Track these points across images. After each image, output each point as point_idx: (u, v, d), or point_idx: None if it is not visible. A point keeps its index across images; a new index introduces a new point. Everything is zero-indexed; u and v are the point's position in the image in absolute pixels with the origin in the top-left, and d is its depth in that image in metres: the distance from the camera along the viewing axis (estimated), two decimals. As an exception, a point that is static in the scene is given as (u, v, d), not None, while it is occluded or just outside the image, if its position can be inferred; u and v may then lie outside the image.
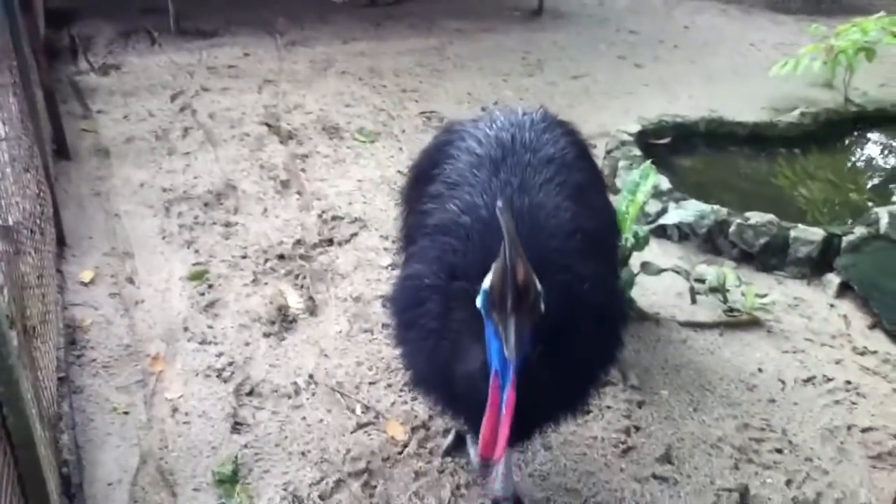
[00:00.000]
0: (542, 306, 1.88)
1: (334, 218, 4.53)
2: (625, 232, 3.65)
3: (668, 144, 5.79)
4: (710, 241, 4.55)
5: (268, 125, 5.71)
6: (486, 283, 1.87)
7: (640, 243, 3.77)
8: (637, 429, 3.25)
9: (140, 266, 4.10)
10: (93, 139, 5.51)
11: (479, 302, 1.91)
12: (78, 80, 6.58)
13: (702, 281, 4.13)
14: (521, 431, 2.23)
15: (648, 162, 3.92)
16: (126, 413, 3.17)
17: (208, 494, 2.82)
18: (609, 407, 3.35)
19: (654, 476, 3.03)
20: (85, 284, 3.93)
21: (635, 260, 3.84)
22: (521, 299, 1.81)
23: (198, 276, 4.02)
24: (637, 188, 3.72)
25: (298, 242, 4.32)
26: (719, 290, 4.05)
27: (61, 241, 4.20)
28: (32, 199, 4.09)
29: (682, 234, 4.61)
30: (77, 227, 4.43)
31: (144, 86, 6.48)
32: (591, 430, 3.22)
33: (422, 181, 2.68)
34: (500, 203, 1.79)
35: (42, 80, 5.00)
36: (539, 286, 1.86)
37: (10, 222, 4.05)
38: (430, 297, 2.21)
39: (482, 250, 2.10)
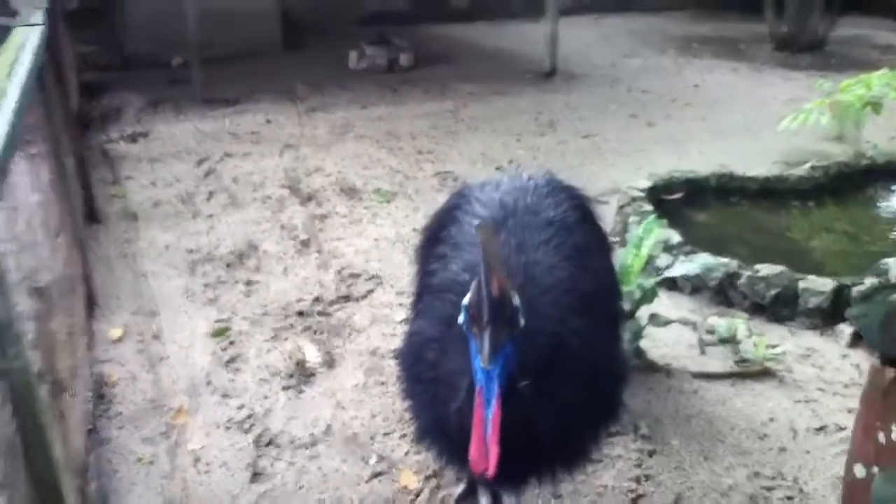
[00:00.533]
0: (522, 321, 1.95)
1: (351, 275, 4.68)
2: (630, 285, 3.76)
3: (679, 199, 5.92)
4: (722, 293, 4.63)
5: (289, 188, 5.93)
6: (466, 299, 1.94)
7: (648, 296, 3.87)
8: (647, 478, 3.30)
9: (165, 324, 4.26)
10: (121, 203, 5.75)
11: (460, 319, 1.98)
12: (108, 147, 6.89)
13: (713, 332, 4.21)
14: (516, 476, 2.30)
15: (652, 216, 4.04)
16: (150, 463, 3.28)
17: (228, 543, 2.91)
18: (619, 456, 3.40)
19: (665, 524, 3.07)
20: (113, 342, 4.09)
21: (645, 312, 3.94)
22: (497, 311, 1.86)
23: (220, 332, 4.16)
24: (641, 242, 3.83)
25: (317, 299, 4.46)
26: (730, 341, 4.12)
27: (92, 301, 4.37)
28: (64, 261, 4.29)
29: (694, 286, 4.70)
30: (106, 287, 4.61)
31: (171, 152, 6.76)
32: (602, 479, 3.27)
33: (430, 243, 2.83)
34: (477, 222, 1.90)
35: (74, 149, 5.25)
36: (517, 301, 1.93)
37: (42, 283, 4.26)
38: (430, 349, 2.33)
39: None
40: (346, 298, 4.48)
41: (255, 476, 3.21)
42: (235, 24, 9.84)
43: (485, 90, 8.95)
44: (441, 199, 5.83)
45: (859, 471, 2.30)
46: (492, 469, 1.98)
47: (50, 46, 4.92)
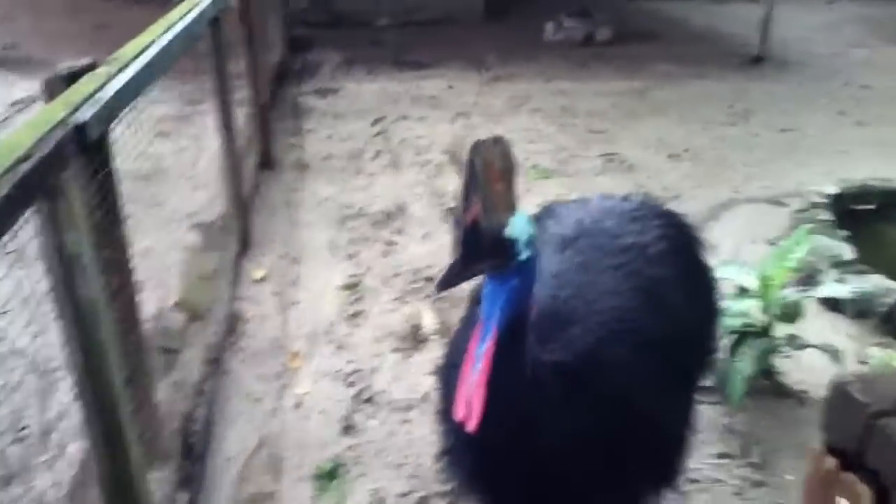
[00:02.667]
0: (524, 253, 1.71)
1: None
2: (768, 298, 3.44)
3: (870, 211, 5.31)
4: (891, 322, 4.12)
5: (450, 154, 6.00)
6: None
7: (790, 313, 3.52)
8: (746, 508, 3.04)
9: (305, 271, 4.50)
10: (297, 154, 6.12)
11: None
12: (299, 100, 7.33)
13: (866, 363, 3.77)
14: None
15: (805, 228, 3.65)
16: (258, 400, 3.50)
17: (306, 486, 3.05)
18: (719, 480, 3.16)
19: (752, 560, 2.83)
20: (255, 281, 4.39)
21: (787, 330, 3.59)
22: (466, 239, 1.66)
23: (351, 287, 4.34)
24: (789, 254, 3.48)
25: (448, 267, 4.50)
26: (883, 374, 3.66)
27: (246, 241, 4.71)
28: (227, 202, 4.65)
29: (859, 310, 4.21)
30: (265, 230, 4.95)
31: (353, 110, 7.07)
32: (693, 502, 3.06)
33: None
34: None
35: (257, 99, 5.65)
36: (516, 231, 1.68)
37: (204, 220, 4.65)
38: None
39: None
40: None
41: (347, 429, 3.33)
42: (441, -10, 10.06)
43: (681, 72, 8.50)
44: (600, 182, 5.70)
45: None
46: (474, 420, 1.78)
47: (242, 4, 5.31)
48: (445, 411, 2.15)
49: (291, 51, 8.82)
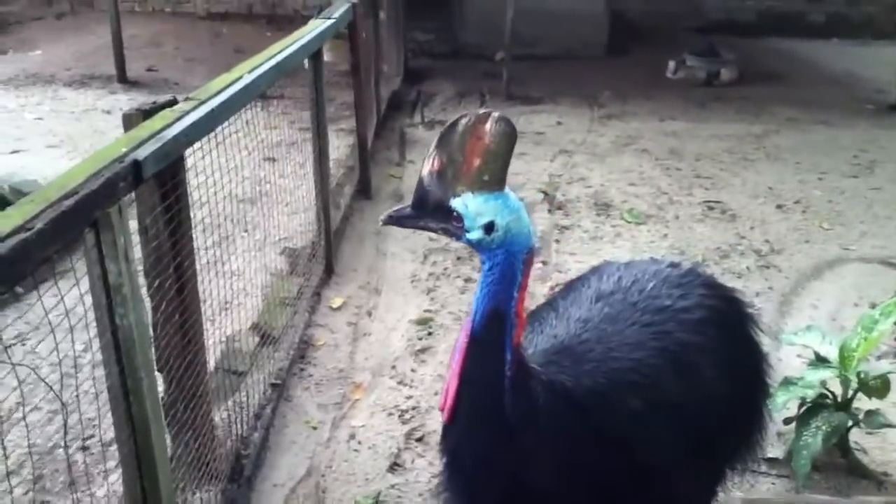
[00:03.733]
0: (477, 234, 1.77)
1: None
2: (848, 371, 3.20)
3: None
4: None
5: (544, 193, 5.96)
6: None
7: (875, 388, 3.26)
8: None
9: (382, 303, 4.58)
10: (395, 184, 6.26)
11: None
12: (407, 131, 7.50)
13: (963, 450, 3.43)
14: None
15: (895, 299, 3.37)
16: (315, 428, 3.59)
17: (345, 520, 3.10)
18: (777, 562, 2.96)
19: None
20: (333, 309, 4.51)
21: (870, 405, 3.33)
22: (420, 192, 1.79)
23: (424, 322, 4.37)
24: (875, 325, 3.23)
25: (522, 310, 4.46)
26: (983, 465, 3.32)
27: (330, 269, 4.85)
28: (316, 229, 4.82)
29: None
30: (350, 258, 5.09)
31: (456, 143, 7.15)
32: (744, 581, 2.88)
33: (546, 305, 2.64)
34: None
35: (358, 130, 5.83)
36: (469, 207, 1.74)
37: (294, 245, 4.83)
38: None
39: (540, 350, 2.10)
40: (550, 315, 4.42)
41: (394, 467, 3.35)
42: (563, 25, 10.06)
43: (807, 117, 8.09)
44: (700, 229, 5.50)
45: None
46: (447, 411, 1.85)
47: (351, 37, 5.51)
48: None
49: (409, 81, 9.06)
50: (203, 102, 2.79)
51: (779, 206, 5.92)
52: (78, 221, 1.90)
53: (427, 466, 3.37)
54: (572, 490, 1.95)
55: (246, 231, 4.98)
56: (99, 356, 2.76)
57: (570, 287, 2.53)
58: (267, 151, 4.92)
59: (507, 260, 1.79)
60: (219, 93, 2.93)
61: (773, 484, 3.25)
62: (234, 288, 3.93)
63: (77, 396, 2.85)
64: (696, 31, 11.58)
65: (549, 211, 5.69)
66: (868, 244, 5.41)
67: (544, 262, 4.99)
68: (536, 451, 1.89)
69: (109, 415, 2.29)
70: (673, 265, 2.54)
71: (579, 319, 2.21)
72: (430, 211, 1.79)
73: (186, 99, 2.81)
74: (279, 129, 6.62)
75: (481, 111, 1.74)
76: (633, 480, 2.01)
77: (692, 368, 2.20)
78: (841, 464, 3.33)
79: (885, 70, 8.92)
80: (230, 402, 3.42)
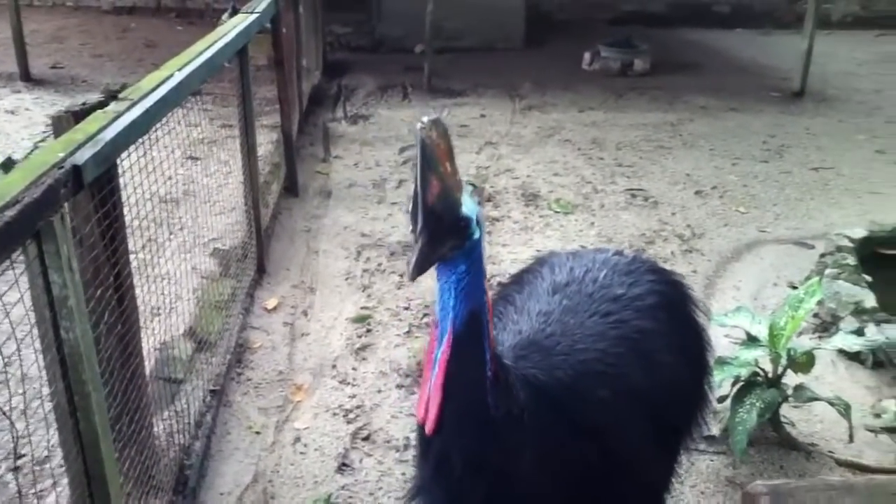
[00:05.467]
0: (477, 232, 1.77)
1: (500, 284, 4.64)
2: (778, 348, 3.36)
3: (899, 256, 5.16)
4: (911, 374, 3.99)
5: (473, 185, 6.00)
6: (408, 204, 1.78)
7: (800, 363, 3.43)
8: (743, 567, 2.95)
9: (318, 302, 4.54)
10: (322, 181, 6.19)
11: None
12: (330, 126, 7.42)
13: (879, 416, 3.66)
14: None
15: (818, 277, 3.56)
16: (258, 433, 3.53)
17: (296, 524, 3.06)
18: (719, 535, 3.08)
19: None
20: (268, 310, 4.44)
21: (797, 380, 3.51)
22: (431, 219, 1.67)
23: (362, 319, 4.35)
24: (800, 304, 3.40)
25: (460, 303, 4.49)
26: (897, 431, 3.55)
27: (262, 269, 4.77)
28: (246, 229, 4.72)
29: (876, 361, 4.09)
30: (282, 258, 5.01)
31: (382, 137, 7.13)
32: (690, 556, 2.99)
33: (499, 301, 2.64)
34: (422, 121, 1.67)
35: (282, 126, 5.74)
36: (467, 209, 1.72)
37: (223, 246, 4.72)
38: None
39: (508, 346, 2.12)
40: (488, 307, 4.46)
41: (342, 467, 3.33)
42: (481, 18, 10.13)
43: (718, 105, 8.40)
44: (625, 217, 5.65)
45: None
46: (430, 422, 1.82)
47: (274, 32, 5.40)
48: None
49: (328, 75, 8.95)
50: (136, 102, 2.69)
51: (697, 192, 6.14)
52: (21, 232, 1.81)
53: (376, 465, 3.36)
54: (553, 482, 1.99)
55: (172, 233, 4.83)
56: (26, 370, 2.66)
57: (522, 280, 2.57)
58: (189, 150, 4.79)
59: (480, 256, 1.79)
60: (152, 92, 2.84)
61: (711, 461, 3.39)
62: (166, 293, 3.82)
63: (4, 414, 2.73)
64: (610, 22, 11.85)
65: (479, 203, 5.72)
66: (782, 226, 5.67)
67: (478, 255, 5.02)
68: (520, 447, 1.91)
69: (41, 432, 2.19)
70: (618, 253, 2.62)
71: (540, 313, 2.25)
72: (446, 234, 1.72)
73: (118, 99, 2.71)
74: (200, 127, 6.45)
75: (428, 118, 1.70)
76: (606, 467, 2.07)
77: (651, 354, 2.28)
78: (773, 438, 3.50)
79: (787, 58, 9.33)
80: (169, 412, 3.33)
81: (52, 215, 1.95)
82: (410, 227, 1.75)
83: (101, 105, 2.60)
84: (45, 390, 3.20)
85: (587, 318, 2.25)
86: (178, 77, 3.08)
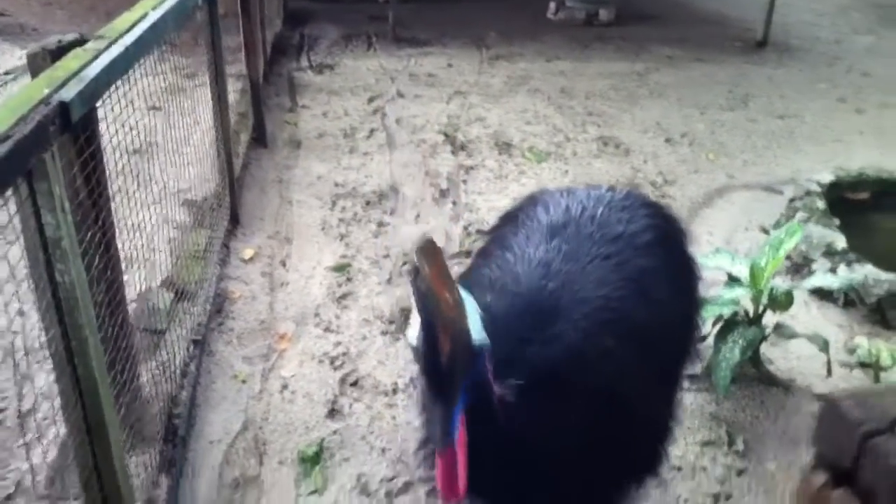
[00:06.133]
0: (489, 366, 1.66)
1: (478, 231, 4.65)
2: (759, 288, 3.43)
3: (864, 201, 5.28)
4: (880, 312, 4.10)
5: (445, 135, 5.95)
6: (413, 339, 1.60)
7: (780, 302, 3.51)
8: (728, 497, 3.04)
9: (295, 251, 4.48)
10: (291, 131, 6.06)
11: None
12: (295, 76, 7.25)
13: (853, 353, 3.77)
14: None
15: (797, 219, 3.63)
16: (244, 382, 3.50)
17: (290, 469, 3.05)
18: (704, 468, 3.16)
19: (732, 552, 2.84)
20: (245, 261, 4.37)
21: (776, 319, 3.59)
22: (448, 378, 1.52)
23: (341, 268, 4.31)
24: (781, 244, 3.46)
25: (439, 250, 4.48)
26: (871, 366, 3.66)
27: (235, 220, 4.68)
28: (218, 179, 4.62)
29: (848, 300, 4.20)
30: (254, 208, 4.91)
31: (349, 86, 7.01)
32: (677, 490, 3.06)
33: (490, 242, 2.63)
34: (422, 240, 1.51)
35: (249, 75, 5.59)
36: (476, 342, 1.56)
37: (194, 197, 4.61)
38: None
39: (505, 317, 1.98)
40: (467, 254, 4.45)
41: (332, 413, 3.33)
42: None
43: (684, 55, 8.43)
44: (597, 164, 5.67)
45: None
46: (460, 492, 1.67)
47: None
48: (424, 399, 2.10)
49: (289, 25, 8.73)
50: (114, 41, 2.58)
51: (667, 140, 6.18)
52: (14, 170, 1.73)
53: (366, 410, 3.37)
54: (572, 451, 1.96)
55: (140, 185, 4.69)
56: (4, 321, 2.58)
57: (515, 220, 2.49)
58: (151, 100, 4.64)
59: (482, 355, 1.63)
60: (128, 31, 2.72)
61: (694, 398, 3.46)
62: (140, 244, 3.73)
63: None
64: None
65: (453, 152, 5.69)
66: (750, 172, 5.75)
67: (454, 203, 5.00)
68: (530, 436, 1.86)
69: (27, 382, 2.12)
70: (611, 189, 2.59)
71: (540, 263, 2.16)
72: (460, 377, 1.56)
73: (96, 38, 2.59)
74: (162, 76, 6.26)
75: (416, 250, 1.52)
76: (619, 415, 2.04)
77: (652, 293, 2.26)
78: (753, 374, 3.59)
79: (750, 9, 9.39)
80: (153, 363, 3.27)
81: (42, 153, 1.87)
82: (417, 364, 1.62)
83: (79, 43, 2.49)
84: (20, 342, 3.13)
85: (588, 262, 2.19)
86: (153, 16, 2.97)
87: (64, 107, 2.00)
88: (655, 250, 2.36)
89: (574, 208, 2.42)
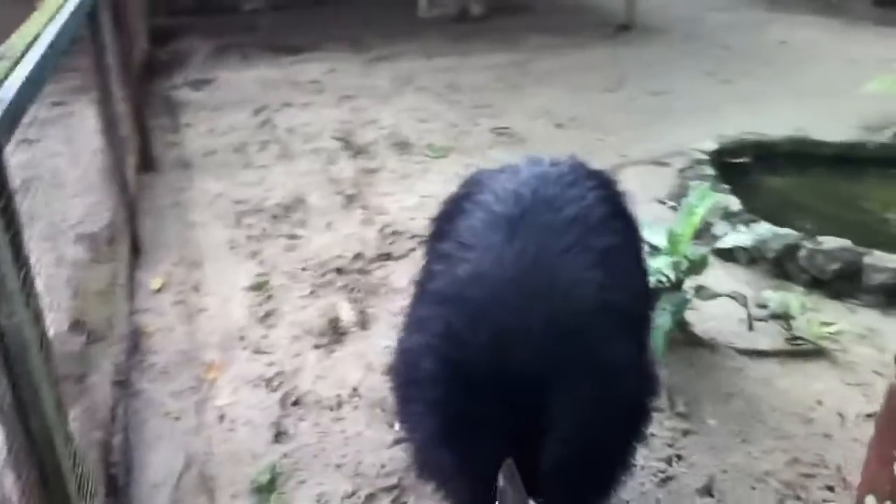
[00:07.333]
0: None
1: (394, 233, 4.61)
2: (678, 254, 3.56)
3: (746, 164, 5.60)
4: (780, 266, 4.36)
5: (341, 140, 5.88)
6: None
7: (696, 266, 3.67)
8: (679, 458, 3.15)
9: (206, 275, 4.29)
10: (178, 152, 5.82)
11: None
12: (171, 94, 6.96)
13: (765, 307, 3.99)
14: None
15: (707, 183, 3.80)
16: (178, 418, 3.32)
17: (244, 501, 2.91)
18: (653, 434, 3.25)
19: (693, 509, 2.94)
20: (154, 292, 4.15)
21: (692, 283, 3.74)
22: None
23: (259, 286, 4.17)
24: (694, 209, 3.62)
25: (357, 256, 4.42)
26: (783, 317, 3.88)
27: (136, 250, 4.44)
28: (112, 209, 4.37)
29: (751, 258, 4.44)
30: (154, 236, 4.68)
31: (231, 100, 6.79)
32: (631, 458, 3.15)
33: (436, 236, 2.52)
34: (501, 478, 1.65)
35: (131, 95, 5.31)
36: None
37: (90, 230, 4.34)
38: (423, 371, 2.02)
39: (491, 332, 1.93)
40: (387, 257, 4.41)
41: (279, 436, 3.21)
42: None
43: (557, 43, 8.67)
44: (497, 155, 5.73)
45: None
46: None
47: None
48: (406, 416, 2.10)
49: (155, 42, 8.36)
50: (20, 59, 2.35)
51: (558, 125, 6.34)
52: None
53: (312, 427, 3.26)
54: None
55: (25, 223, 4.38)
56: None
57: (459, 214, 2.33)
58: (19, 133, 4.34)
59: None
60: (29, 48, 2.49)
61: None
62: (39, 286, 3.48)
63: None
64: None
65: (352, 156, 5.62)
66: (639, 148, 5.98)
67: (364, 207, 4.94)
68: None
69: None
70: (554, 163, 2.44)
71: (509, 280, 2.02)
72: None
73: None
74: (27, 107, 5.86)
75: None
76: (616, 402, 2.02)
77: (619, 270, 2.21)
78: (678, 338, 3.72)
79: (607, -3, 9.81)
80: (78, 410, 3.05)
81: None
82: None
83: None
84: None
85: (561, 262, 2.07)
86: (52, 32, 2.73)
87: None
88: (609, 223, 2.28)
89: (524, 193, 2.24)
